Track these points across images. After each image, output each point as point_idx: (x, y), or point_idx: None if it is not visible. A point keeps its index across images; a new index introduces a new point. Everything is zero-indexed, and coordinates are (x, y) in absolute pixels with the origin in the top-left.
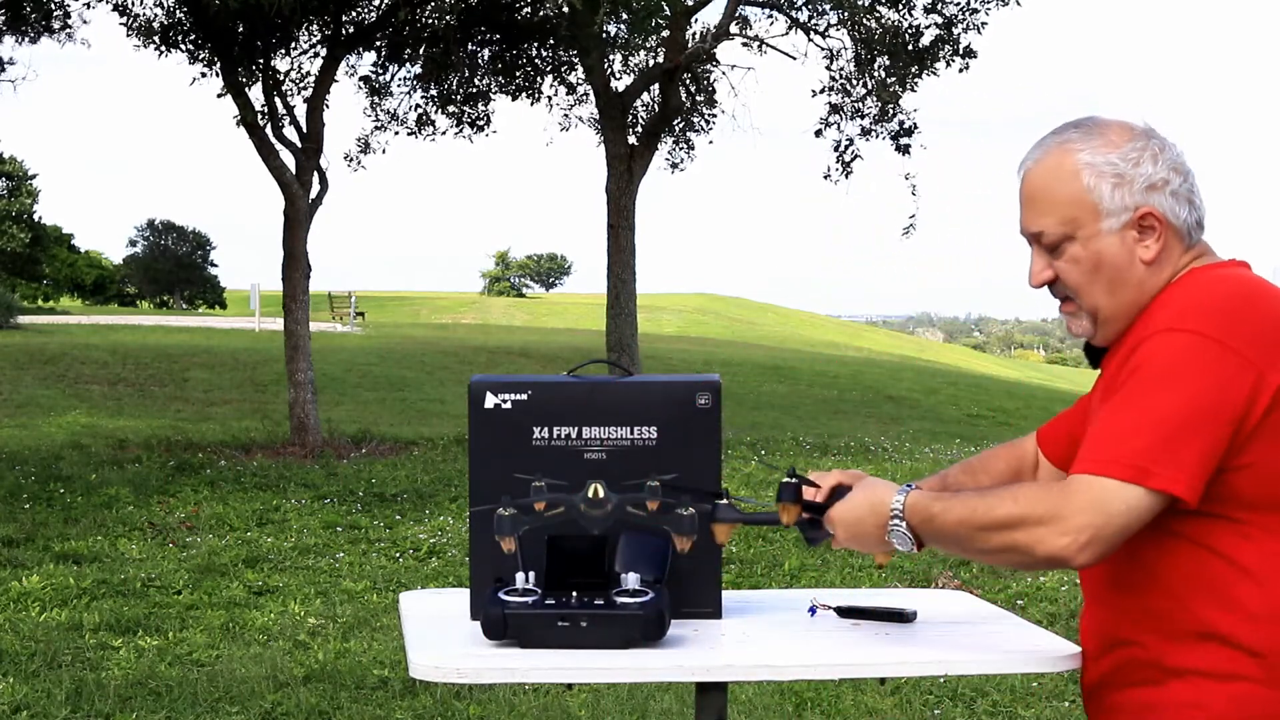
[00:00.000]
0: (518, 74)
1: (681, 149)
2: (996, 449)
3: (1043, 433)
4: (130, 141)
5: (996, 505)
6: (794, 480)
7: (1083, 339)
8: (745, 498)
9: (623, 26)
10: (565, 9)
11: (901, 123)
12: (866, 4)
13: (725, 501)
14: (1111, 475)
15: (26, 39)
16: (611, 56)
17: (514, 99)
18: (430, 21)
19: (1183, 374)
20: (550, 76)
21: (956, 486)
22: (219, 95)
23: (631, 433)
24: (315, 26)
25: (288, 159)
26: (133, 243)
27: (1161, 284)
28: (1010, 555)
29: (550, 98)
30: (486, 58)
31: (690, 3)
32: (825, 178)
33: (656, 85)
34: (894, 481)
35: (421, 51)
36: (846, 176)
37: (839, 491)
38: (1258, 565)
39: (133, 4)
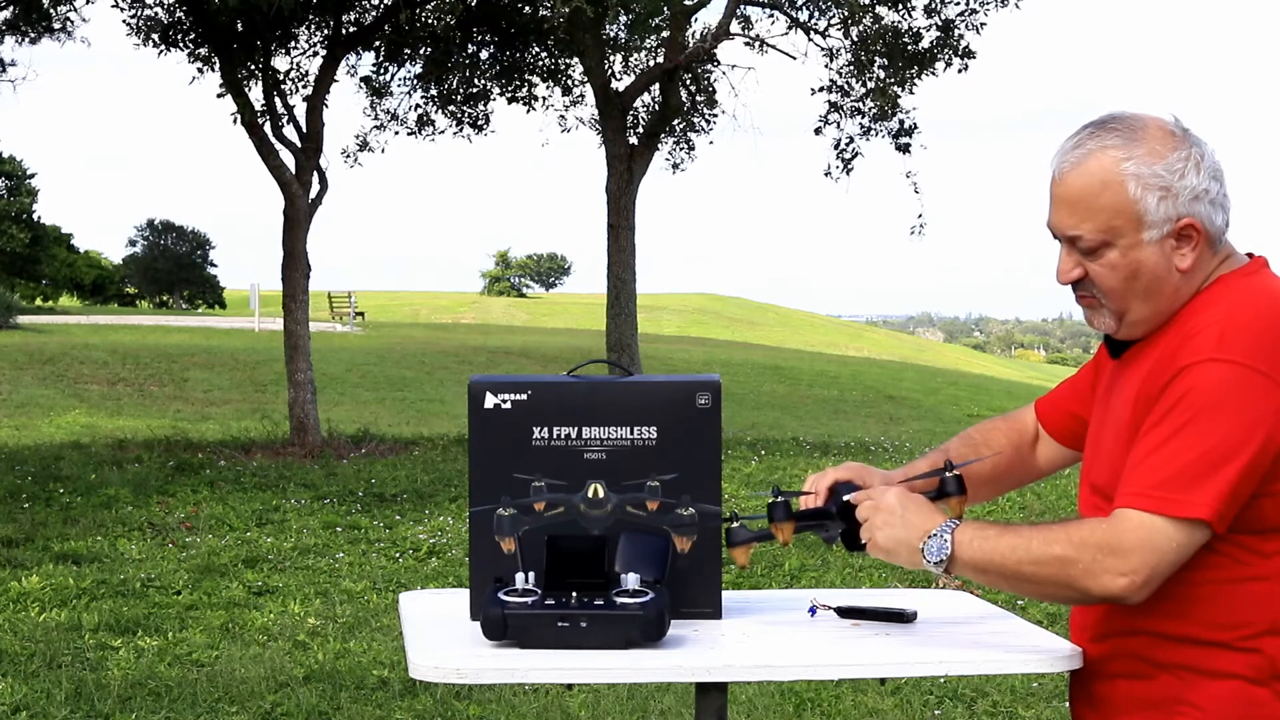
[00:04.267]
0: (515, 77)
1: (682, 149)
2: (995, 421)
3: (1042, 407)
4: (130, 141)
5: (1051, 540)
6: (781, 500)
7: (1104, 333)
8: (754, 515)
9: (622, 27)
10: (565, 9)
11: (901, 122)
12: (866, 3)
13: (738, 524)
14: (1163, 512)
15: (27, 39)
16: (612, 57)
17: (510, 102)
18: (430, 22)
19: (1228, 408)
20: (547, 80)
21: (960, 460)
22: (218, 95)
23: (631, 433)
24: (315, 26)
25: (287, 159)
26: (132, 242)
27: (1193, 289)
28: (1062, 590)
29: (545, 98)
30: (485, 59)
31: (690, 3)
32: (826, 175)
33: (656, 85)
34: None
35: (421, 52)
36: (847, 174)
37: (838, 489)
38: (1264, 582)
39: (133, 2)
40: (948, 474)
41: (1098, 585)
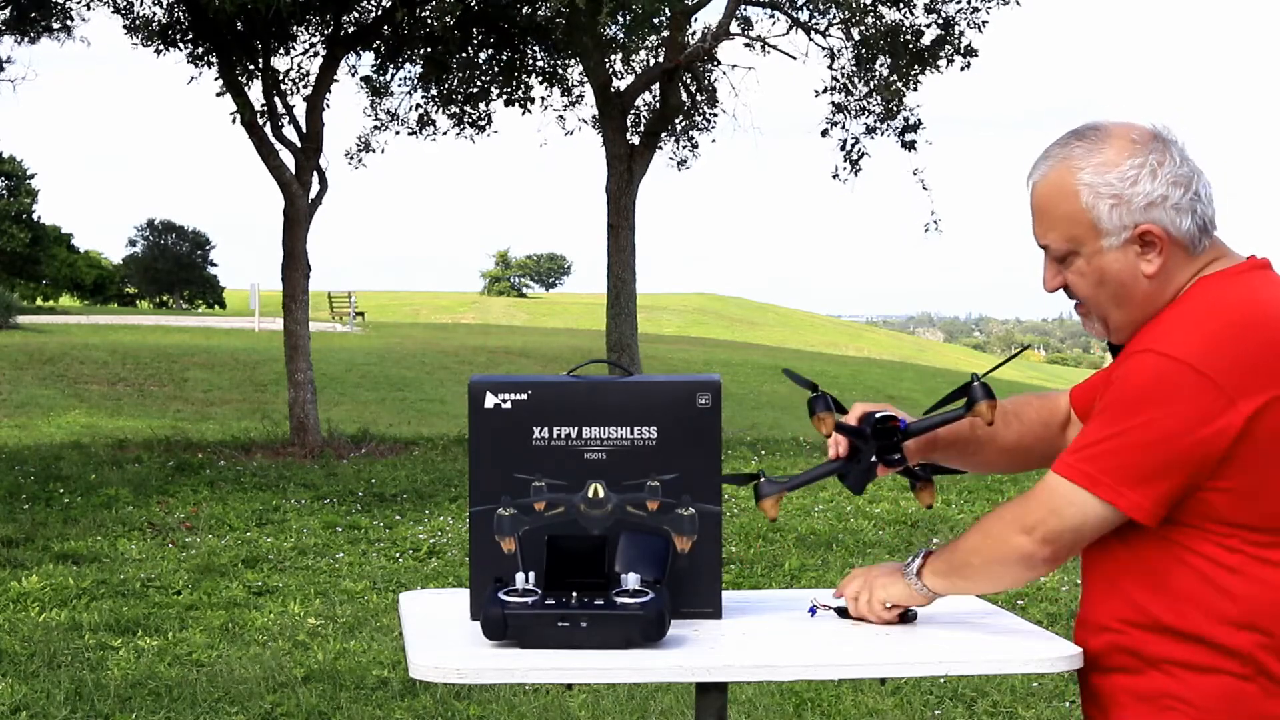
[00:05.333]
0: (514, 78)
1: (686, 148)
2: (1030, 397)
3: (1075, 392)
4: (130, 141)
5: (987, 524)
6: (821, 394)
7: (1100, 339)
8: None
9: (622, 28)
10: (564, 10)
11: (906, 119)
12: (867, 3)
13: (764, 479)
14: (1068, 478)
15: (26, 39)
16: (612, 57)
17: (508, 105)
18: (430, 22)
19: (1150, 398)
20: (545, 81)
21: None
22: (217, 94)
23: (631, 433)
24: (314, 26)
25: (287, 159)
26: (132, 242)
27: (1171, 293)
28: (1015, 564)
29: (543, 99)
30: (485, 59)
31: (690, 2)
32: (834, 177)
33: (657, 85)
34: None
35: (421, 52)
36: (855, 174)
37: (867, 417)
38: (1237, 578)
39: (132, 4)
40: (975, 383)
41: (1007, 547)
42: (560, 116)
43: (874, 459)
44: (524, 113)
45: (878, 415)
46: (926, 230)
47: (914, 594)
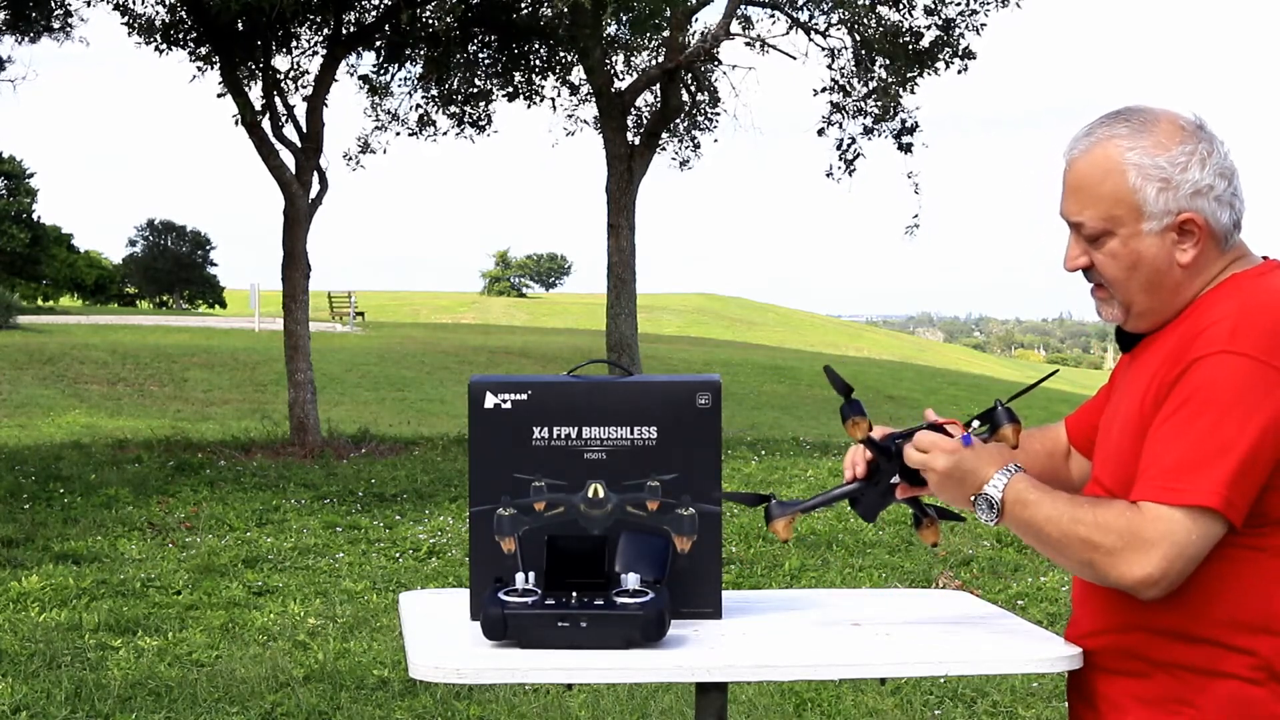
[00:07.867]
0: (517, 75)
1: (688, 148)
2: (1033, 432)
3: (1070, 422)
4: (130, 141)
5: (1082, 518)
6: (855, 400)
7: (1113, 324)
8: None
9: (624, 27)
10: (566, 9)
11: (903, 121)
12: (867, 4)
13: (774, 501)
14: (1179, 503)
15: (26, 38)
16: (613, 57)
17: (512, 100)
18: (430, 22)
19: (1244, 403)
20: (551, 78)
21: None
22: (218, 95)
23: (631, 433)
24: (315, 26)
25: (287, 159)
26: (132, 242)
27: (1199, 286)
28: (1084, 570)
29: (553, 99)
30: (486, 58)
31: (692, 2)
32: (828, 176)
33: (657, 85)
34: None
35: (422, 52)
36: (850, 174)
37: (892, 436)
38: (1258, 579)
39: (134, 2)
40: (999, 407)
41: (1115, 572)
42: (570, 115)
43: (894, 480)
44: (530, 105)
45: (899, 438)
46: (907, 233)
47: (991, 485)
